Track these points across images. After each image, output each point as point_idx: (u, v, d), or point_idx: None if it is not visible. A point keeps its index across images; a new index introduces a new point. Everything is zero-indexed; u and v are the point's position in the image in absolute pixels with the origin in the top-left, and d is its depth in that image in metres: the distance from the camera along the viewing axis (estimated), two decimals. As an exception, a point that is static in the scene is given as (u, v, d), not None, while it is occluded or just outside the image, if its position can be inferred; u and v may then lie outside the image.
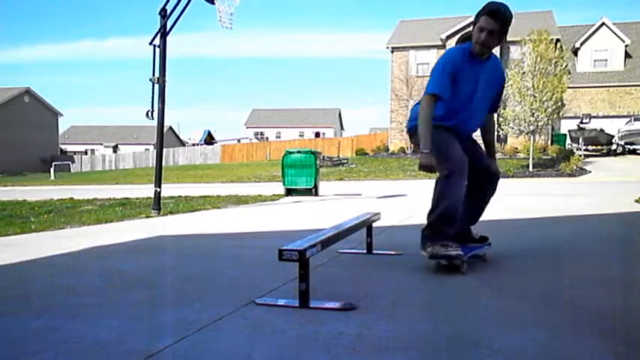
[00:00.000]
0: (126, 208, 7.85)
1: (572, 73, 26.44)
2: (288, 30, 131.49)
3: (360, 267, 2.95)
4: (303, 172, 9.52)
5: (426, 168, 2.59)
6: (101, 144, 55.28)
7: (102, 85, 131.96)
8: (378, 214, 3.32)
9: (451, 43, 26.40)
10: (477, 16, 2.65)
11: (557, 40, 23.60)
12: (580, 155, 19.80)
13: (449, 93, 2.63)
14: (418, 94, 26.75)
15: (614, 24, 28.36)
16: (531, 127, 16.90)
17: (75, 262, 3.38)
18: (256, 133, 55.76)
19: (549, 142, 24.99)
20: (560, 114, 18.08)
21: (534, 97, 16.64)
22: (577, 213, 5.74)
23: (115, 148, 53.73)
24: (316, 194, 9.47)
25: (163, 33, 7.00)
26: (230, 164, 30.90)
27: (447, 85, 2.63)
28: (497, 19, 2.59)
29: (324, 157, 22.02)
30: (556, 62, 16.81)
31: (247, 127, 58.00)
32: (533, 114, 16.65)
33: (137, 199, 9.71)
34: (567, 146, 24.20)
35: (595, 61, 28.25)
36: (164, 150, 8.17)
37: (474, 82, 2.70)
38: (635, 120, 22.69)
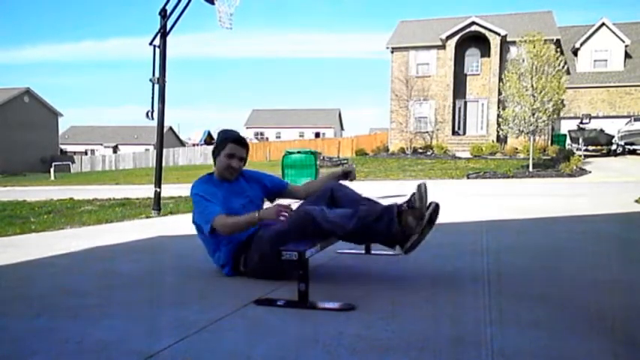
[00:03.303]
0: (126, 209, 7.86)
1: (572, 74, 26.47)
2: (288, 30, 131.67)
3: (359, 267, 2.95)
4: (303, 173, 9.52)
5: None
6: (101, 144, 55.27)
7: (102, 85, 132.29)
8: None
9: (451, 44, 26.42)
10: (222, 143, 2.72)
11: (557, 41, 23.62)
12: (580, 155, 19.81)
13: (222, 205, 2.58)
14: (418, 95, 26.80)
15: (614, 24, 28.37)
16: (531, 128, 16.91)
17: (75, 263, 3.38)
18: (256, 134, 55.75)
19: (549, 142, 25.01)
20: (561, 114, 18.11)
21: (534, 97, 16.66)
22: (577, 213, 5.75)
23: (115, 149, 53.73)
24: (316, 194, 9.46)
25: (163, 33, 7.01)
26: (230, 164, 30.82)
27: (216, 201, 2.59)
28: (245, 146, 2.76)
29: (324, 158, 22.01)
30: (553, 62, 16.84)
31: (247, 128, 57.96)
32: (533, 114, 16.67)
33: (137, 199, 9.73)
34: (567, 146, 24.24)
35: (595, 61, 28.25)
36: (164, 150, 8.17)
37: (237, 197, 2.72)
38: (635, 120, 22.70)
